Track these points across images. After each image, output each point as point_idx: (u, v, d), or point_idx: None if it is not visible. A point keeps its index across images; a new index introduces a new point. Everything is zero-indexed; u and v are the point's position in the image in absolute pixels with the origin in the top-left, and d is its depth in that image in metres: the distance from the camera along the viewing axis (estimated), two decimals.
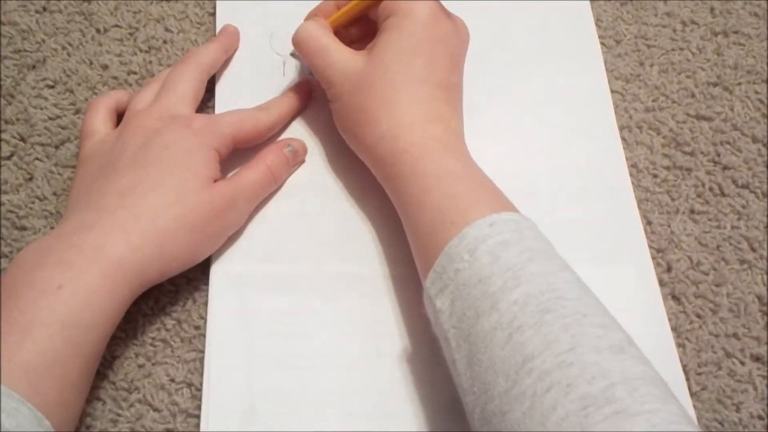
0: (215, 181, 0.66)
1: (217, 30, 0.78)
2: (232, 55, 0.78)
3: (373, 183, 0.69)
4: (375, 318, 0.67)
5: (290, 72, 0.77)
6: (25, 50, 0.77)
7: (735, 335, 0.68)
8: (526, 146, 0.75)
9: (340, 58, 0.67)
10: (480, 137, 0.71)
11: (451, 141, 0.64)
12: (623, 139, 0.76)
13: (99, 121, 0.70)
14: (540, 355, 0.49)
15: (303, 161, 0.73)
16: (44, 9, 0.80)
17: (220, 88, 0.76)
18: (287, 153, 0.71)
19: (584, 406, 0.46)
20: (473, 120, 0.72)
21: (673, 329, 0.68)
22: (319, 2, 0.73)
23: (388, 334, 0.66)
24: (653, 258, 0.71)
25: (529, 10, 0.83)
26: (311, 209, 0.71)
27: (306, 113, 0.76)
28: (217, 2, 0.81)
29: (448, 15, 0.68)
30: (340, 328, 0.66)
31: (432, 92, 0.66)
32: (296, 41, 0.70)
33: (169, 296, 0.67)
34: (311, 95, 0.76)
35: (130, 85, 0.76)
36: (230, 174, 0.70)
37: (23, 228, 0.69)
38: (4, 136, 0.73)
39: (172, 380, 0.64)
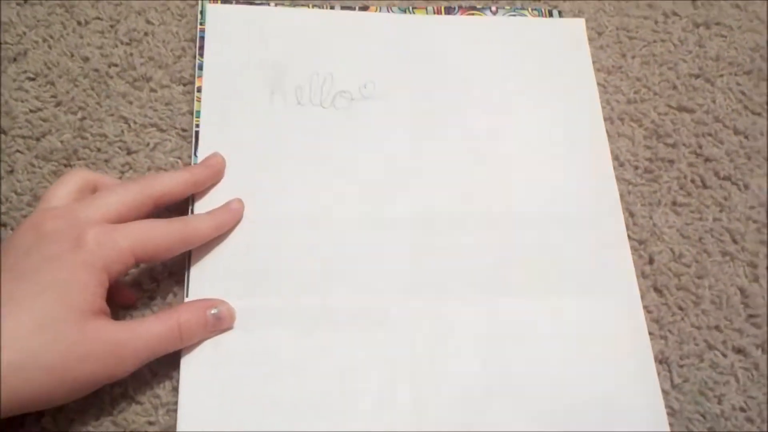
0: (98, 315, 0.57)
1: (206, 32, 0.78)
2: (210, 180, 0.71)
3: (354, 215, 0.70)
4: (351, 354, 0.65)
5: (278, 101, 0.76)
6: (6, 42, 0.77)
7: (717, 327, 0.68)
8: (511, 172, 0.74)
9: None
10: (470, 160, 0.71)
11: None
12: (605, 131, 0.76)
13: (62, 192, 0.63)
14: None
15: (228, 329, 0.65)
16: (25, 1, 0.79)
17: (206, 100, 0.75)
18: (209, 316, 0.63)
19: None
20: (465, 143, 0.73)
21: (655, 321, 0.68)
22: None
23: (363, 370, 0.65)
24: (635, 250, 0.71)
25: (522, 29, 0.83)
26: (290, 241, 0.69)
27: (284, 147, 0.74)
28: (207, 6, 0.79)
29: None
30: (315, 365, 0.64)
31: None
32: None
33: (149, 291, 0.67)
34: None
35: (111, 77, 0.76)
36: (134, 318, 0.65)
37: (4, 224, 0.69)
38: None
39: (155, 374, 0.64)
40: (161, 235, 0.62)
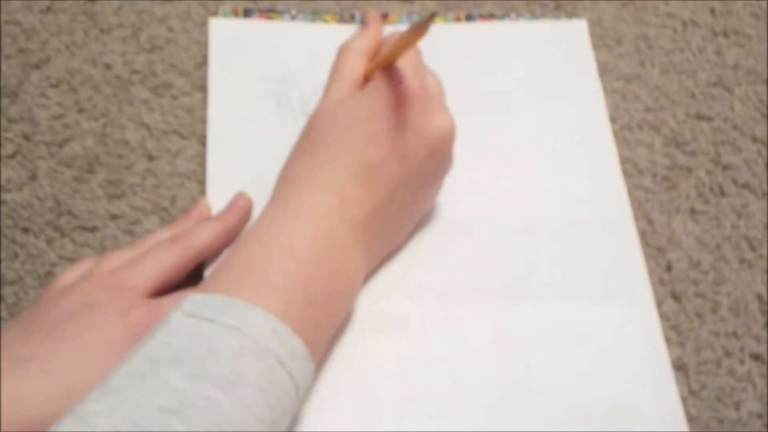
0: None
1: (211, 47, 0.78)
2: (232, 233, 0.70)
3: None
4: (369, 359, 0.65)
5: (285, 113, 0.76)
6: (29, 49, 0.78)
7: (734, 334, 0.68)
8: (523, 178, 0.75)
9: (337, 92, 0.66)
10: (475, 167, 0.71)
11: (302, 211, 0.61)
12: (624, 139, 0.77)
13: (72, 272, 0.64)
14: None
15: None
16: (48, 9, 0.80)
17: (212, 117, 0.75)
18: None
19: None
20: (475, 150, 0.72)
21: (673, 328, 0.68)
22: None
23: (381, 375, 0.65)
24: (653, 257, 0.71)
25: (525, 33, 0.83)
26: None
27: None
28: (210, 20, 0.80)
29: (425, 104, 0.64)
30: (333, 369, 0.64)
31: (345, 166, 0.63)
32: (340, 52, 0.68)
33: None
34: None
35: (133, 84, 0.77)
36: None
37: (26, 229, 0.70)
38: (8, 134, 0.73)
39: None
40: None
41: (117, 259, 0.64)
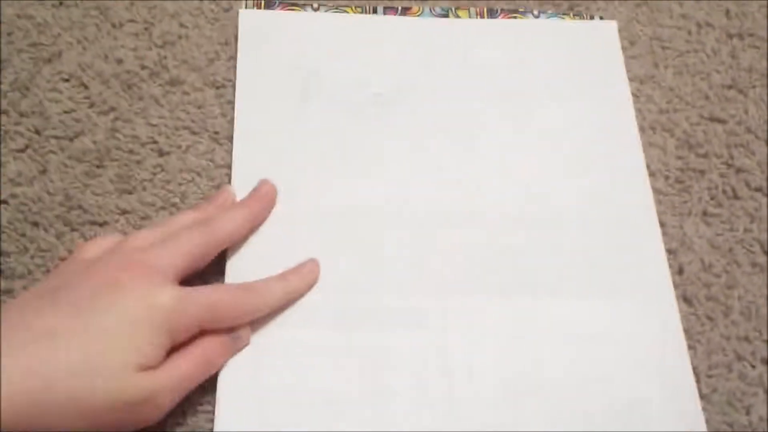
0: (146, 370, 0.57)
1: (240, 38, 0.79)
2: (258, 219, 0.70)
3: (387, 217, 0.71)
4: (387, 354, 0.65)
5: (312, 103, 0.76)
6: (41, 44, 0.78)
7: (746, 338, 0.68)
8: (543, 173, 0.74)
9: None
10: (494, 161, 0.71)
11: None
12: (638, 132, 0.76)
13: (97, 246, 0.64)
14: None
15: (245, 346, 0.64)
16: (60, 3, 0.80)
17: (239, 106, 0.75)
18: (229, 341, 0.63)
19: None
20: (498, 145, 0.73)
21: (684, 331, 0.68)
22: None
23: (398, 371, 0.65)
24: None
25: (553, 31, 0.83)
26: (324, 242, 0.70)
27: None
28: (240, 11, 0.80)
29: None
30: (350, 364, 0.65)
31: None
32: None
33: None
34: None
35: (144, 80, 0.77)
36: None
37: (35, 223, 0.70)
38: (18, 128, 0.73)
39: None
40: (232, 303, 0.62)
41: (143, 239, 0.63)
